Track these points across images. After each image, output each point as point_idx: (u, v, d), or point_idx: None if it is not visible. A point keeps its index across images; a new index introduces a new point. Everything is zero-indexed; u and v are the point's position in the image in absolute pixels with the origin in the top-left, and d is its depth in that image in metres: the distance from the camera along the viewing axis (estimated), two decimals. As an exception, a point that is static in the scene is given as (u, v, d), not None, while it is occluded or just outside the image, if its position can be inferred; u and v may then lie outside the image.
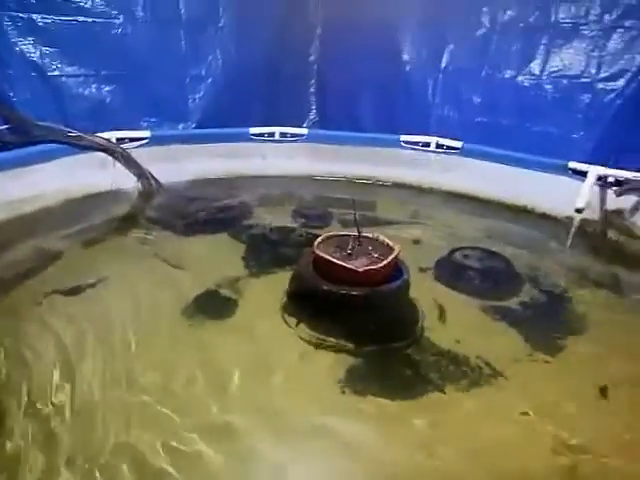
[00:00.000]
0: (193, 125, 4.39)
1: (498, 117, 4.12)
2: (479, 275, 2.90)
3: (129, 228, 3.44)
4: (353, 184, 4.59)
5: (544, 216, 3.83)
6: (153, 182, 4.08)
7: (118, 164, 3.96)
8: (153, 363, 2.05)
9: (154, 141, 4.11)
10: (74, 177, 3.73)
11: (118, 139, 3.98)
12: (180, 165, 4.24)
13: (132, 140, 4.04)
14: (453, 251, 3.13)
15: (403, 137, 4.49)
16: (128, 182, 4.03)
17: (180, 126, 4.36)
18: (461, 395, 1.96)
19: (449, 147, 4.32)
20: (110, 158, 3.92)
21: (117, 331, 2.24)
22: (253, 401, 1.89)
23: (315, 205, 4.11)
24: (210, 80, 4.41)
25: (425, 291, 2.65)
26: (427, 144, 4.43)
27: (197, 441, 1.68)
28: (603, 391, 1.98)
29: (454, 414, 1.88)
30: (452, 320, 2.48)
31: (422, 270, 2.97)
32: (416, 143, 4.47)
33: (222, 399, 1.88)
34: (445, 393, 1.97)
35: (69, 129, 3.71)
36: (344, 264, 2.29)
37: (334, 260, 2.31)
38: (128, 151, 3.98)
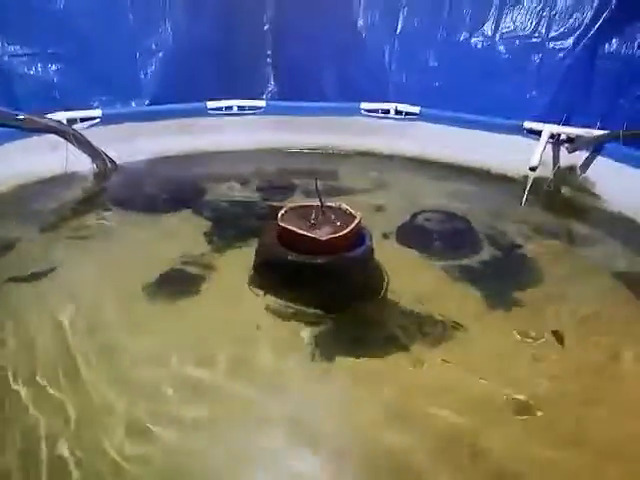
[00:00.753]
0: (146, 102, 4.26)
1: (454, 80, 4.15)
2: (440, 237, 2.97)
3: (86, 211, 3.35)
4: (315, 154, 4.58)
5: (503, 177, 3.92)
6: (108, 163, 3.97)
7: (70, 146, 3.82)
8: (112, 345, 2.03)
9: (106, 120, 3.98)
10: (25, 161, 3.59)
11: (69, 120, 3.83)
12: (136, 144, 4.13)
13: (83, 120, 3.90)
14: (415, 215, 3.19)
15: (363, 105, 4.48)
16: (82, 164, 3.90)
17: (133, 103, 4.23)
18: (426, 352, 2.03)
19: (408, 113, 4.34)
20: (62, 140, 3.78)
21: (76, 315, 2.19)
22: (222, 375, 1.90)
23: (278, 177, 4.08)
24: (161, 54, 4.26)
25: (389, 255, 2.69)
26: (387, 111, 4.44)
27: (158, 429, 1.65)
28: (559, 338, 2.08)
29: (419, 372, 1.94)
30: (416, 282, 2.54)
31: (385, 236, 3.02)
32: (376, 110, 4.47)
33: (191, 376, 1.89)
34: (409, 351, 2.03)
35: (16, 112, 3.54)
36: (307, 234, 2.31)
37: (298, 230, 2.33)
38: (80, 132, 3.84)
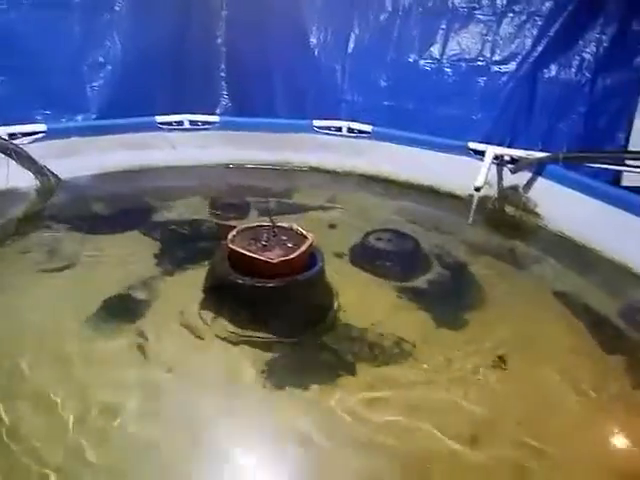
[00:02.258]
0: (94, 116, 4.14)
1: (404, 101, 4.24)
2: (391, 257, 3.00)
3: (27, 230, 3.19)
4: (269, 171, 4.55)
5: (450, 195, 4.01)
6: (52, 178, 3.81)
7: (12, 161, 3.65)
8: (45, 380, 1.93)
9: (51, 135, 3.82)
10: (-38, 178, 3.42)
11: (10, 134, 3.65)
12: (82, 159, 3.98)
13: (25, 135, 3.73)
14: (367, 235, 3.21)
15: (316, 122, 4.50)
16: (24, 180, 3.71)
17: (79, 117, 4.10)
18: (373, 376, 2.05)
19: (360, 131, 4.39)
20: (1, 155, 3.60)
21: (6, 347, 2.09)
22: (171, 407, 1.86)
23: (231, 195, 4.03)
24: (110, 67, 4.16)
25: (341, 276, 2.71)
26: (339, 128, 4.48)
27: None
28: (502, 359, 2.14)
29: (367, 398, 1.94)
30: (366, 303, 2.57)
31: (338, 255, 3.03)
32: (328, 128, 4.50)
33: (138, 406, 1.84)
34: (355, 375, 2.05)
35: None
36: (257, 256, 2.29)
37: (247, 253, 2.31)
38: (22, 147, 3.67)
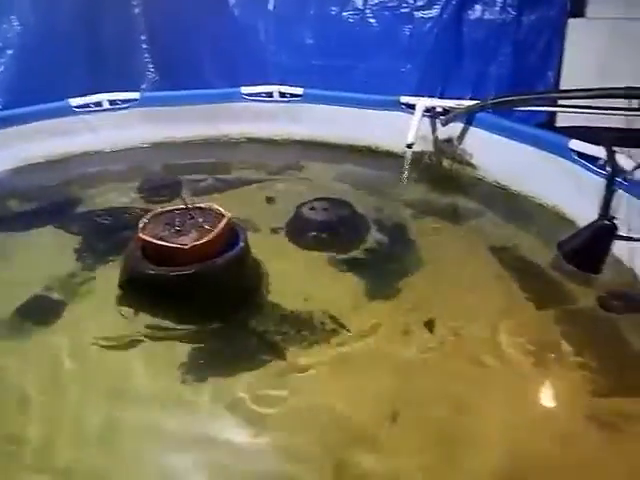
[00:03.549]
0: (-1, 107, 3.81)
1: (332, 58, 4.02)
2: (326, 228, 2.84)
3: None
4: (200, 145, 4.29)
5: (388, 154, 3.84)
6: (-39, 178, 3.53)
7: None
8: None
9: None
10: None
11: None
12: (-5, 153, 3.68)
13: None
14: (300, 206, 3.05)
15: (244, 89, 4.24)
16: None
17: (-17, 109, 3.77)
18: (302, 358, 1.95)
19: (292, 95, 4.16)
20: None
21: None
22: (86, 412, 1.75)
23: (161, 176, 3.80)
24: (10, 52, 3.81)
25: (273, 252, 2.60)
26: (270, 94, 4.23)
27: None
28: (429, 326, 2.06)
29: (293, 380, 1.86)
30: (298, 279, 2.45)
31: (274, 231, 2.89)
32: (258, 94, 4.25)
33: (52, 415, 1.73)
34: (286, 359, 1.95)
35: None
36: (167, 244, 2.15)
37: (156, 241, 2.16)
38: None
